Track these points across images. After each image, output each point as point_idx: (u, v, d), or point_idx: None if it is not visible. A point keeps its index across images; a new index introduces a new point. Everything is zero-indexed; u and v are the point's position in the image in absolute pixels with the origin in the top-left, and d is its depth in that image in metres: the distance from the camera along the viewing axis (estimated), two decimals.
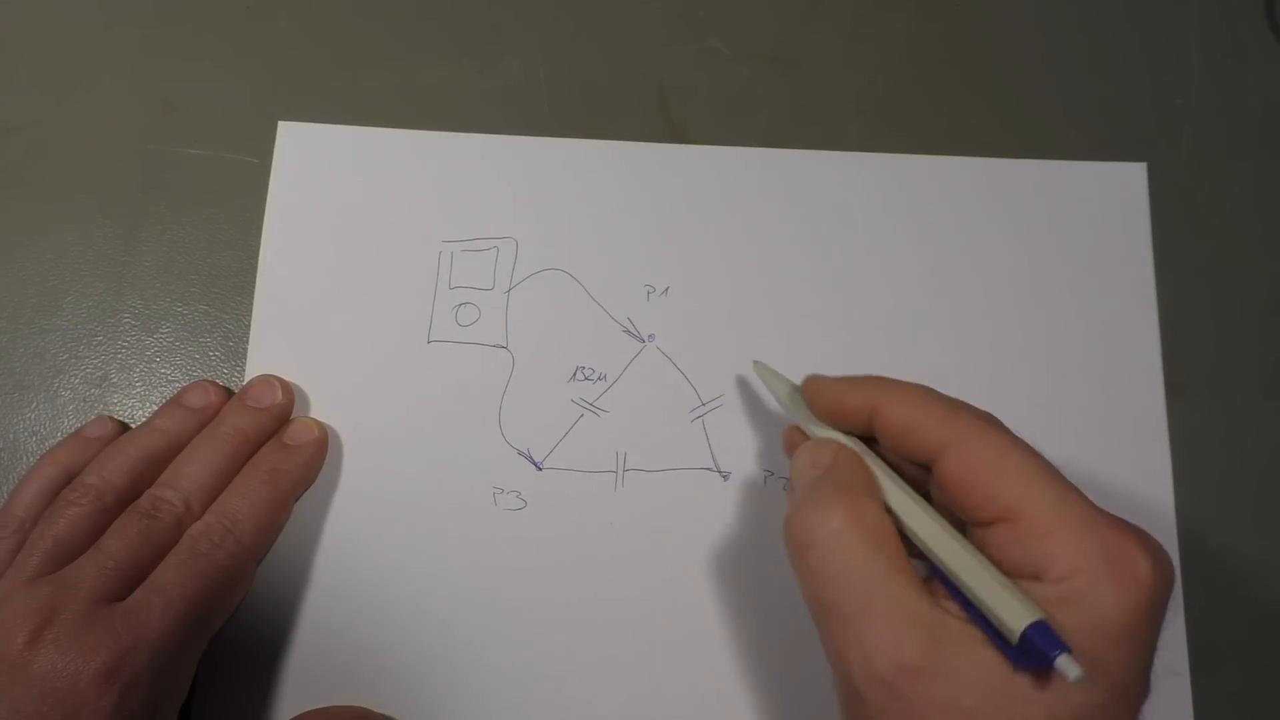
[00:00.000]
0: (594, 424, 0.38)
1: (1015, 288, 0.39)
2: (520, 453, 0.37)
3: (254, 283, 0.39)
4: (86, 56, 0.42)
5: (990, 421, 0.28)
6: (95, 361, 0.39)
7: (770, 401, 0.37)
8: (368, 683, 0.35)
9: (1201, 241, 0.40)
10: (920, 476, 0.29)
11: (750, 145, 0.41)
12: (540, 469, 0.37)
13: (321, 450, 0.37)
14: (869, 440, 0.30)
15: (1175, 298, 0.39)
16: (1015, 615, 0.24)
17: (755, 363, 0.35)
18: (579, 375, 0.38)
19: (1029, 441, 0.37)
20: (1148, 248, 0.40)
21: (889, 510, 0.28)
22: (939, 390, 0.29)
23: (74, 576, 0.31)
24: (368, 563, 0.36)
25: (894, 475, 0.29)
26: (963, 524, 0.27)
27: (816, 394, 0.31)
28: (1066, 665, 0.23)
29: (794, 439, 0.32)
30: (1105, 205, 0.40)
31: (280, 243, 0.39)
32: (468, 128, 0.41)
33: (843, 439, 0.30)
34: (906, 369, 0.38)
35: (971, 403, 0.28)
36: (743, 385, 0.38)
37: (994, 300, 0.39)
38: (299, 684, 0.35)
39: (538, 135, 0.41)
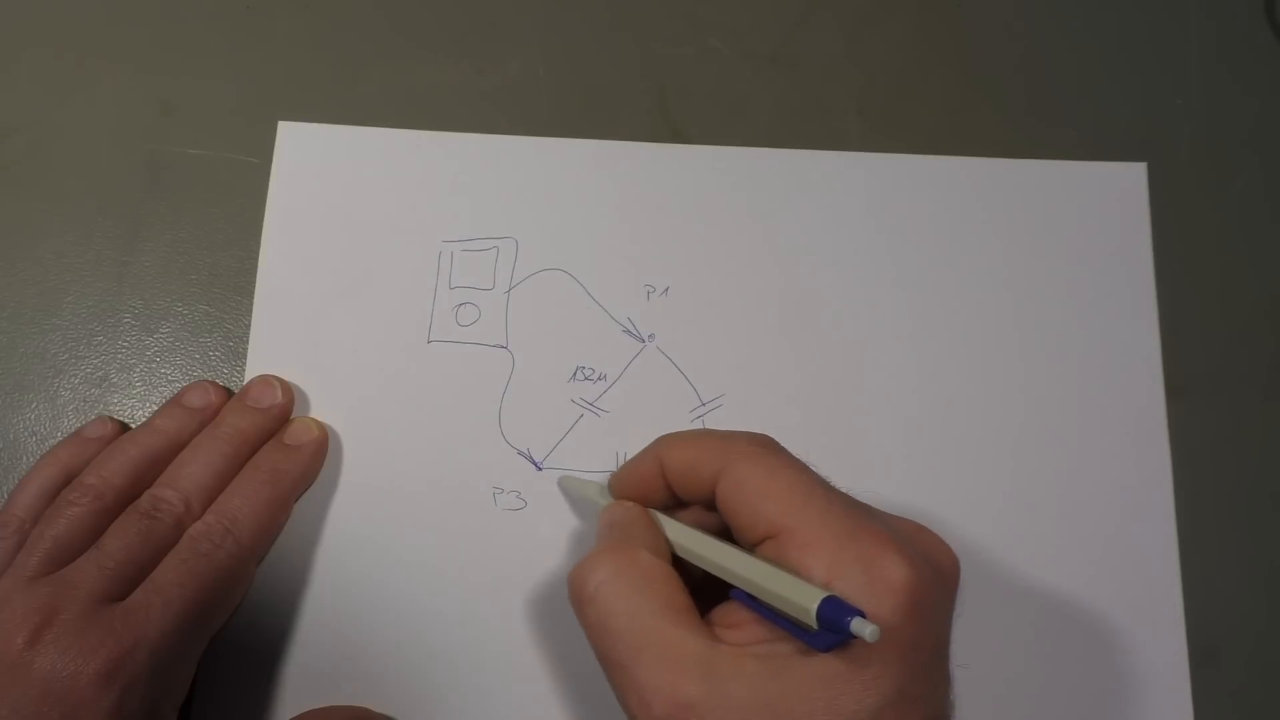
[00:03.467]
0: (594, 424, 0.38)
1: (1015, 288, 0.39)
2: (520, 453, 0.37)
3: (254, 283, 0.39)
4: (86, 56, 0.42)
5: (761, 444, 0.29)
6: (95, 361, 0.39)
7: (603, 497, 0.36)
8: (368, 683, 0.35)
9: (1201, 241, 0.40)
10: (723, 527, 0.30)
11: (750, 145, 0.41)
12: (540, 469, 0.37)
13: (321, 450, 0.37)
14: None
15: (1175, 298, 0.39)
16: (807, 595, 0.24)
17: (560, 481, 0.37)
18: (579, 375, 0.38)
19: (1030, 443, 0.38)
20: (1148, 248, 0.40)
21: (675, 554, 0.29)
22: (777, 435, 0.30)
23: (74, 576, 0.31)
24: (367, 563, 0.36)
25: (681, 523, 0.30)
26: (744, 550, 0.28)
27: (617, 480, 0.32)
28: (861, 626, 0.23)
29: None
30: (1105, 205, 0.40)
31: (280, 243, 0.39)
32: (468, 128, 0.41)
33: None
34: (906, 368, 0.38)
35: (969, 403, 0.29)
36: (743, 385, 0.38)
37: (994, 300, 0.39)
38: (299, 684, 0.35)
39: (538, 135, 0.41)
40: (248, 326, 0.39)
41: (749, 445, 0.29)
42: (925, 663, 0.25)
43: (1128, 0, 0.43)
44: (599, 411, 0.38)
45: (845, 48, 0.42)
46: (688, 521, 0.31)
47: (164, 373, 0.39)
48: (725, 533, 0.29)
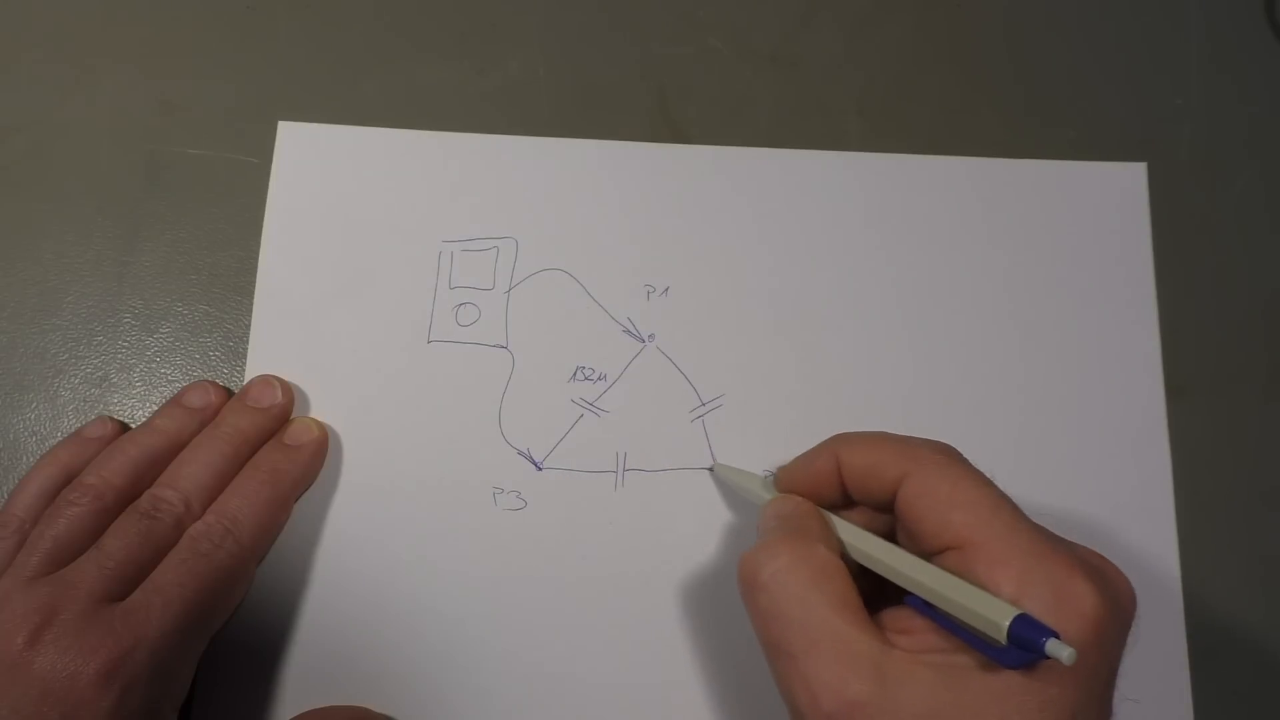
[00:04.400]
0: (594, 424, 0.38)
1: (1015, 288, 0.39)
2: (520, 453, 0.37)
3: (254, 283, 0.39)
4: (86, 56, 0.42)
5: (946, 452, 0.29)
6: (95, 361, 0.39)
7: (753, 460, 0.37)
8: (368, 682, 0.35)
9: (1201, 241, 0.40)
10: (891, 531, 0.30)
11: (750, 145, 0.41)
12: (540, 469, 0.37)
13: (321, 450, 0.37)
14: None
15: (1175, 298, 0.39)
16: (999, 611, 0.24)
17: (715, 468, 0.37)
18: (579, 375, 0.38)
19: (1030, 443, 0.38)
20: (1148, 248, 0.40)
21: (848, 558, 0.29)
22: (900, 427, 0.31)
23: (74, 576, 0.31)
24: (368, 562, 0.36)
25: (854, 524, 0.30)
26: (923, 558, 0.28)
27: (786, 474, 0.33)
28: (1058, 649, 0.23)
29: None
30: (1105, 205, 0.40)
31: (280, 243, 0.39)
32: (468, 128, 0.41)
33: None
34: (906, 368, 0.38)
35: (969, 403, 0.29)
36: (743, 385, 0.38)
37: (994, 300, 0.39)
38: (299, 684, 0.35)
39: (538, 135, 0.41)
40: (248, 326, 0.39)
41: (934, 453, 0.29)
42: (1099, 692, 0.25)
43: (1127, 0, 0.43)
44: (599, 411, 0.38)
45: (845, 48, 0.42)
46: (855, 523, 0.30)
47: (164, 373, 0.39)
48: (892, 540, 0.29)
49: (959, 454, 0.29)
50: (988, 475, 0.28)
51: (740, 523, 0.37)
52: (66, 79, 0.42)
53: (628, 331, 0.39)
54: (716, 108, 0.41)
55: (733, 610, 0.36)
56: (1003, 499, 0.27)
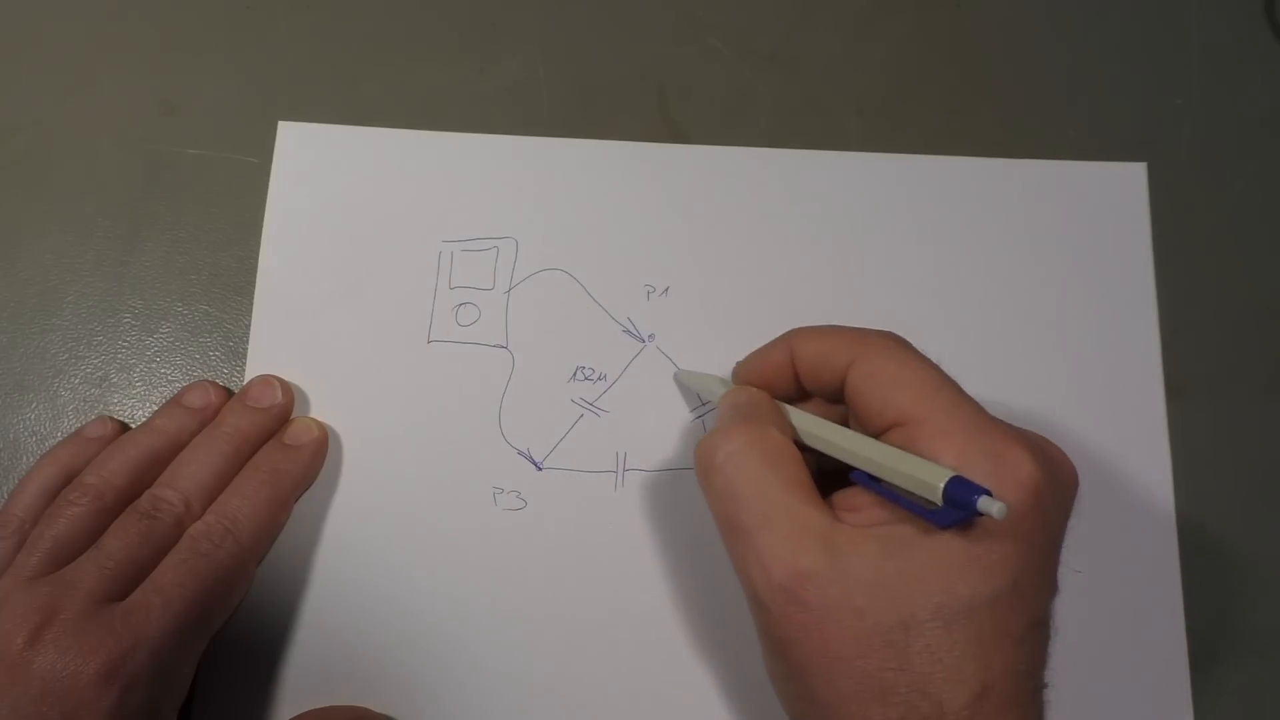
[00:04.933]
0: (594, 424, 0.38)
1: (1015, 288, 0.39)
2: (520, 453, 0.37)
3: (254, 283, 0.39)
4: (86, 56, 0.42)
5: (893, 337, 0.30)
6: (95, 361, 0.39)
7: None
8: (368, 683, 0.35)
9: (1201, 241, 0.40)
10: (843, 422, 0.31)
11: (750, 145, 0.41)
12: (540, 469, 0.37)
13: (321, 450, 0.37)
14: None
15: (1175, 298, 0.39)
16: (934, 474, 0.25)
17: (676, 374, 0.38)
18: (579, 375, 0.38)
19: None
20: (1148, 248, 0.40)
21: (801, 444, 0.30)
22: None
23: (74, 576, 0.31)
24: (368, 562, 0.36)
25: (805, 411, 0.31)
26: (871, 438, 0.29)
27: (742, 368, 0.34)
28: (989, 504, 0.24)
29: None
30: (1105, 205, 0.40)
31: (280, 243, 0.39)
32: (468, 128, 0.41)
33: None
34: None
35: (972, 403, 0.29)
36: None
37: (994, 300, 0.39)
38: (299, 684, 0.35)
39: (538, 135, 0.41)
40: (248, 326, 0.39)
41: (881, 338, 0.30)
42: (1040, 561, 0.26)
43: (1128, 0, 0.43)
44: (599, 411, 0.38)
45: (845, 48, 0.42)
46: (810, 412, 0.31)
47: (164, 373, 0.39)
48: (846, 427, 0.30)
49: (906, 340, 0.30)
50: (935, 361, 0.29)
51: (705, 398, 0.37)
52: (66, 79, 0.42)
53: (628, 331, 0.39)
54: (716, 108, 0.41)
55: (732, 610, 0.36)
56: (946, 379, 0.28)
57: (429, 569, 0.36)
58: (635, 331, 0.39)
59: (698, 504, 0.37)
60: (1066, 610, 0.36)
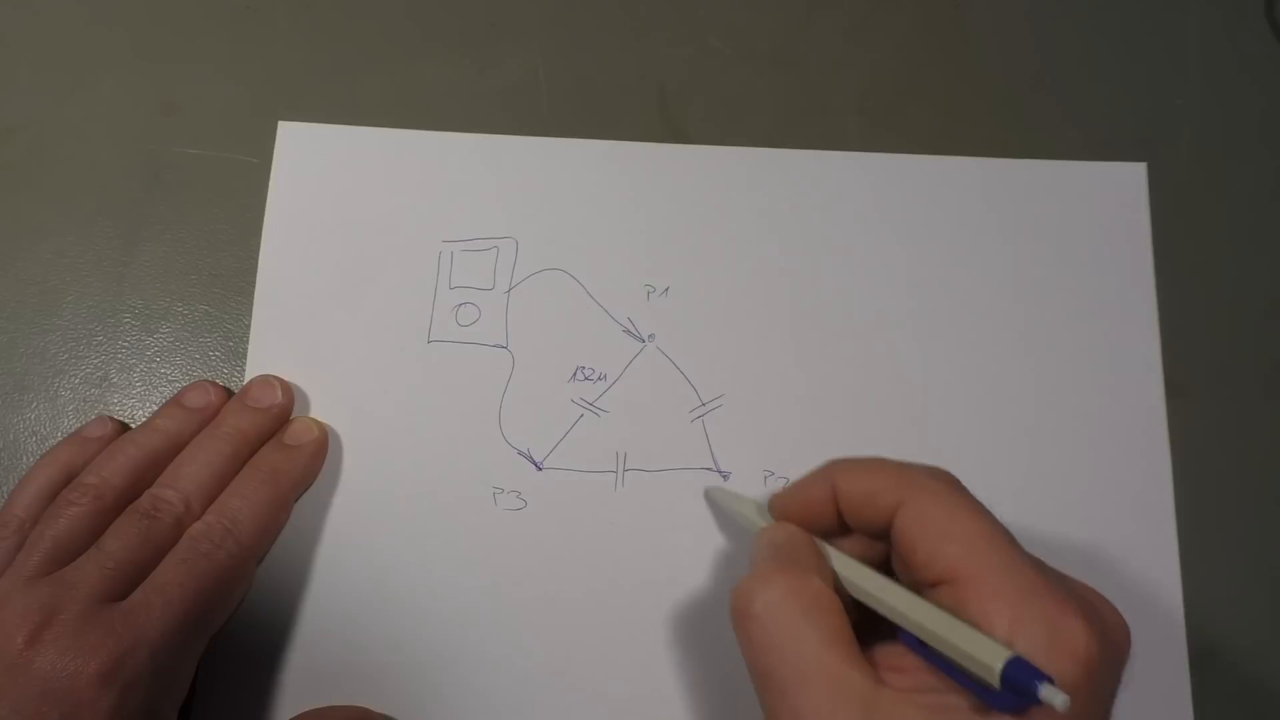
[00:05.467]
0: (594, 424, 0.38)
1: (1015, 288, 0.39)
2: (520, 453, 0.37)
3: (254, 283, 0.39)
4: (87, 56, 0.42)
5: (944, 480, 0.28)
6: (95, 361, 0.39)
7: (745, 478, 0.36)
8: (368, 683, 0.35)
9: (1201, 241, 0.40)
10: (886, 560, 0.29)
11: (750, 145, 0.41)
12: (540, 469, 0.37)
13: (321, 450, 0.37)
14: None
15: (1175, 298, 0.39)
16: (992, 653, 0.23)
17: (707, 492, 0.36)
18: (579, 375, 0.38)
19: (1029, 443, 0.38)
20: (1148, 248, 0.40)
21: (841, 589, 0.28)
22: (892, 456, 0.30)
23: (74, 576, 0.31)
24: (367, 563, 0.36)
25: (849, 556, 0.29)
26: (917, 590, 0.27)
27: (780, 500, 0.32)
28: (1051, 695, 0.22)
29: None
30: (1105, 205, 0.40)
31: (280, 243, 0.39)
32: (468, 128, 0.41)
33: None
34: (906, 369, 0.38)
35: (969, 403, 0.29)
36: (743, 385, 0.38)
37: (994, 300, 0.39)
38: (299, 684, 0.35)
39: (538, 135, 0.41)
40: (248, 326, 0.39)
41: (932, 480, 0.28)
42: None
43: (1127, 1, 0.43)
44: (599, 411, 0.38)
45: (845, 48, 0.42)
46: (849, 551, 0.30)
47: (164, 373, 0.39)
48: (887, 567, 0.29)
49: (958, 482, 0.28)
50: (986, 505, 0.27)
51: (740, 522, 0.37)
52: (67, 79, 0.42)
53: (628, 331, 0.39)
54: (716, 108, 0.41)
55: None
56: (998, 531, 0.27)
57: (429, 569, 0.36)
58: (635, 331, 0.39)
59: (698, 504, 0.37)
60: None
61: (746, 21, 0.43)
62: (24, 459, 0.38)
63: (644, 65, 0.42)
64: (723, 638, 0.36)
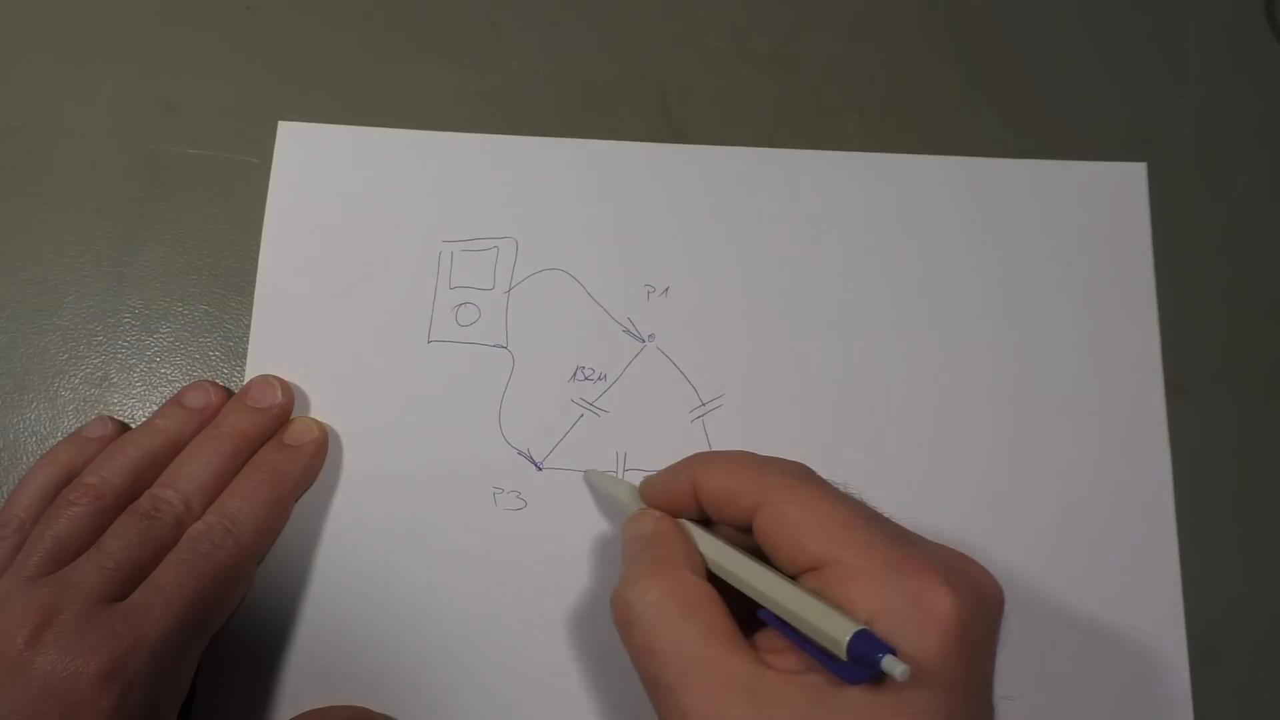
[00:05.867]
0: (594, 424, 0.38)
1: (1015, 288, 0.39)
2: (520, 453, 0.37)
3: (254, 283, 0.39)
4: (86, 56, 0.42)
5: (797, 474, 0.29)
6: (95, 361, 0.39)
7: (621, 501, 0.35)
8: (368, 683, 0.35)
9: (1201, 241, 0.40)
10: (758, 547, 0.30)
11: (750, 145, 0.41)
12: (540, 469, 0.37)
13: (322, 450, 0.37)
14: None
15: (1175, 298, 0.39)
16: (839, 628, 0.24)
17: (585, 474, 0.37)
18: (579, 375, 0.38)
19: (1029, 443, 0.38)
20: (1148, 248, 0.40)
21: (713, 574, 0.29)
22: (757, 454, 0.31)
23: (74, 576, 0.31)
24: (367, 562, 0.36)
25: (716, 537, 0.30)
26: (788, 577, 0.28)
27: (648, 488, 0.32)
28: (892, 665, 0.23)
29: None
30: (1105, 205, 0.40)
31: (280, 243, 0.39)
32: (468, 128, 0.41)
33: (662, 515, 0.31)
34: (906, 368, 0.38)
35: (969, 403, 0.28)
36: (743, 385, 0.38)
37: (994, 300, 0.39)
38: (299, 684, 0.35)
39: (538, 135, 0.41)
40: (248, 326, 0.39)
41: (783, 477, 0.28)
42: (971, 698, 0.25)
43: (1128, 1, 0.43)
44: (599, 411, 0.38)
45: (845, 48, 0.42)
46: (721, 537, 0.30)
47: (164, 373, 0.39)
48: (760, 553, 0.29)
49: (811, 473, 0.29)
50: (987, 505, 0.28)
51: (614, 506, 0.37)
52: (66, 79, 0.42)
53: (628, 331, 0.39)
54: (716, 108, 0.41)
55: None
56: (856, 513, 0.27)
57: (429, 569, 0.36)
58: (635, 331, 0.39)
59: None
60: (1066, 610, 0.36)
61: (746, 21, 0.43)
62: (24, 459, 0.38)
63: (644, 65, 0.42)
64: None
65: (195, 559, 0.32)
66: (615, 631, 0.35)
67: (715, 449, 0.30)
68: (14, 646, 0.29)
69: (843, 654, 0.24)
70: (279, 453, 0.36)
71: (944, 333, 0.39)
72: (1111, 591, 0.36)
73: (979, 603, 0.26)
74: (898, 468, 0.37)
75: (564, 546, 0.36)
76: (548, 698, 0.35)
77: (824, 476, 0.29)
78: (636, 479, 0.37)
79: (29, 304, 0.39)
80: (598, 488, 0.37)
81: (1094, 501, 0.37)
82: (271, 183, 0.40)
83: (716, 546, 0.29)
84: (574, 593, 0.36)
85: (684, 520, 0.31)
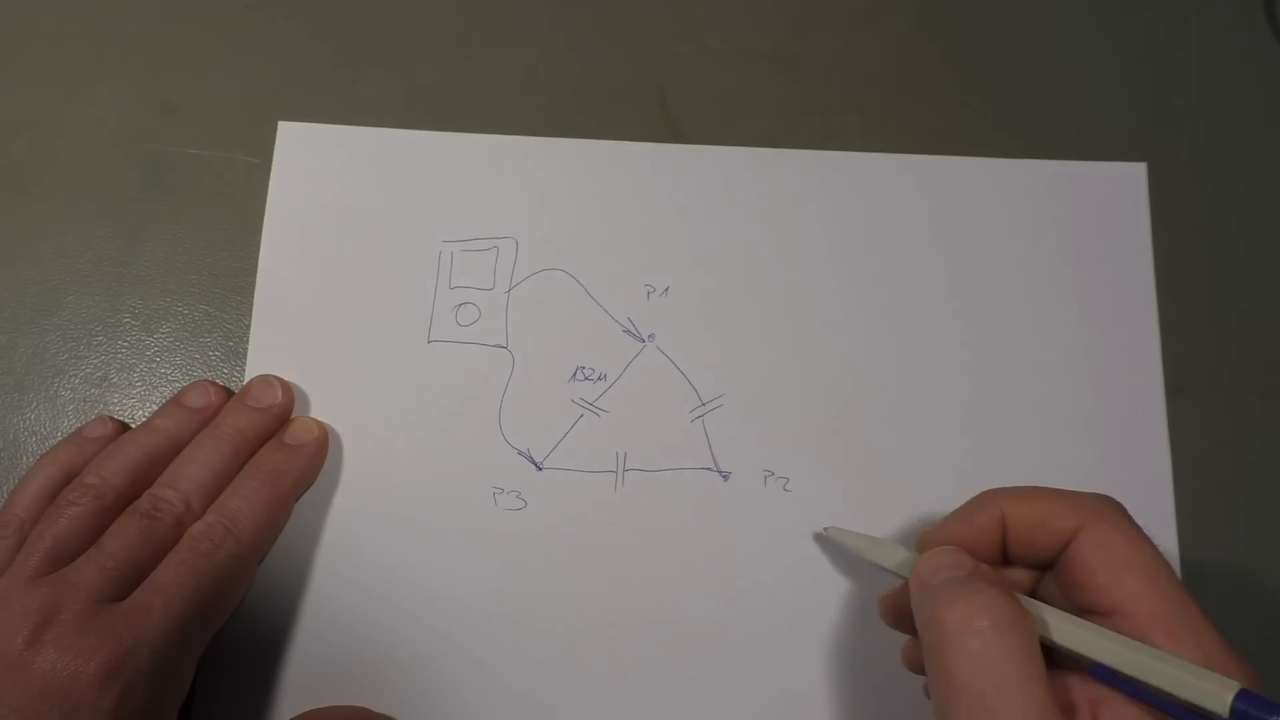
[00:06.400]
0: (594, 424, 0.38)
1: (1015, 288, 0.39)
2: (520, 453, 0.37)
3: (254, 283, 0.39)
4: (86, 56, 0.42)
5: (1117, 508, 0.28)
6: (95, 361, 0.39)
7: (792, 428, 0.35)
8: (368, 683, 0.35)
9: (1201, 241, 0.40)
10: (1033, 591, 0.29)
11: (750, 145, 0.41)
12: (540, 469, 0.37)
13: (322, 450, 0.37)
14: None
15: (1175, 298, 0.39)
16: (1220, 687, 0.24)
17: (827, 530, 0.35)
18: (579, 375, 0.38)
19: (1029, 443, 0.37)
20: (1148, 248, 0.40)
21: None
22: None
23: (74, 576, 0.31)
24: (368, 563, 0.36)
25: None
26: (1078, 613, 0.27)
27: (938, 532, 0.30)
28: None
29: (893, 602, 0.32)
30: (1105, 205, 0.40)
31: (280, 243, 0.39)
32: (468, 128, 0.41)
33: None
34: (906, 368, 0.38)
35: (970, 403, 0.28)
36: (743, 385, 0.38)
37: (993, 300, 0.39)
38: (299, 684, 0.35)
39: (538, 135, 0.41)
40: (248, 326, 0.39)
41: (1109, 506, 0.28)
42: None
43: (1128, 0, 0.43)
44: (599, 411, 0.38)
45: (845, 48, 0.42)
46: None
47: (164, 373, 0.39)
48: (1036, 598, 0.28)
49: (1126, 510, 0.28)
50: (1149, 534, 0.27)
51: (740, 523, 0.37)
52: (67, 79, 0.42)
53: (628, 331, 0.39)
54: (716, 108, 0.41)
55: (731, 609, 0.36)
56: (1167, 565, 0.27)
57: (429, 569, 0.36)
58: (635, 331, 0.39)
59: (698, 504, 0.37)
60: None
61: (746, 21, 0.43)
62: (24, 459, 0.38)
63: (644, 65, 0.42)
64: (721, 637, 0.36)
65: (195, 559, 0.32)
66: (614, 631, 0.36)
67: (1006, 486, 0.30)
68: (14, 646, 0.29)
69: (1224, 709, 0.23)
70: (279, 453, 0.36)
71: (943, 333, 0.39)
72: None
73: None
74: (898, 467, 0.37)
75: (564, 546, 0.36)
76: (548, 698, 0.35)
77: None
78: (638, 479, 0.37)
79: (29, 304, 0.39)
80: (847, 545, 0.34)
81: None
82: (271, 183, 0.40)
83: (1037, 605, 0.28)
84: (574, 593, 0.36)
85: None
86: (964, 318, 0.39)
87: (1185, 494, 0.37)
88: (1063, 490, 0.29)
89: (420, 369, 0.38)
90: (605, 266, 0.39)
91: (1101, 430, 0.38)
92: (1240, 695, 0.23)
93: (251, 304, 0.39)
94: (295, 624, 0.36)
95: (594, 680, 0.35)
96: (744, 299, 0.39)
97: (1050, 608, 0.28)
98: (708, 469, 0.37)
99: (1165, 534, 0.37)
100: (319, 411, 0.38)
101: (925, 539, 0.31)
